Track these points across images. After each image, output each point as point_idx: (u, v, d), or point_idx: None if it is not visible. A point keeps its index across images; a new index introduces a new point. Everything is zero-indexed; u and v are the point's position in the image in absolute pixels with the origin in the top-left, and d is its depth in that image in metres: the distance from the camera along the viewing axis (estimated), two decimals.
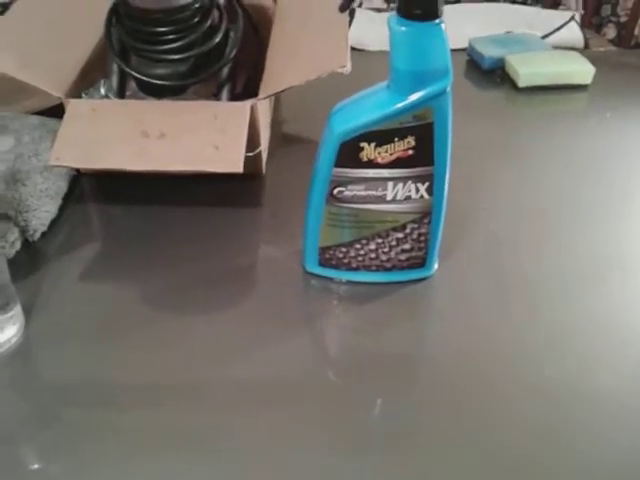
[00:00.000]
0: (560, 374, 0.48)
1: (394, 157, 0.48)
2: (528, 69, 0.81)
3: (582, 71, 0.82)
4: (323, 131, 0.49)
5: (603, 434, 0.44)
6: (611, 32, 1.20)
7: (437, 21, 0.43)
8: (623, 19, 1.17)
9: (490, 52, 0.86)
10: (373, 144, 0.47)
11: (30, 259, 0.56)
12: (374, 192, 0.50)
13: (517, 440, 0.44)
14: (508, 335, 0.51)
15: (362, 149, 0.48)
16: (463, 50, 0.88)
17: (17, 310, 0.49)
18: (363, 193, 0.50)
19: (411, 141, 0.47)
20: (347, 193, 0.50)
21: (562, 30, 0.94)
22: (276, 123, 0.75)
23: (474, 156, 0.68)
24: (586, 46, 0.95)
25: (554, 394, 0.46)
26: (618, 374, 0.48)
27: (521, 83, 0.81)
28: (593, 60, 0.83)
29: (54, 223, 0.60)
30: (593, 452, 0.43)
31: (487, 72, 0.86)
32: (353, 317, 0.53)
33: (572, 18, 0.95)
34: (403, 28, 0.43)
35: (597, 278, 0.56)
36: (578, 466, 0.42)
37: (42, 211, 0.58)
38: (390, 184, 0.49)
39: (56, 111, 0.65)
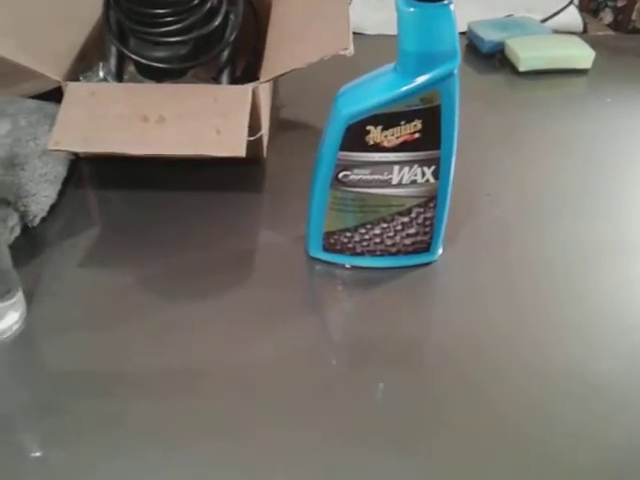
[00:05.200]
0: (564, 358, 0.48)
1: (400, 140, 0.47)
2: (529, 53, 0.81)
3: (582, 55, 0.82)
4: (326, 115, 0.48)
5: (608, 417, 0.44)
6: (608, 17, 1.20)
7: (446, 2, 0.43)
8: (620, 4, 1.18)
9: (490, 36, 0.85)
10: (379, 127, 0.47)
11: (30, 245, 0.55)
12: (380, 176, 0.49)
13: (521, 423, 0.44)
14: (512, 319, 0.51)
15: (368, 132, 0.47)
16: (462, 34, 0.88)
17: (19, 297, 0.49)
18: (369, 177, 0.49)
19: (418, 124, 0.47)
20: (352, 177, 0.49)
21: (561, 14, 0.93)
22: (274, 108, 0.74)
23: (474, 141, 0.67)
24: (584, 30, 0.95)
25: (558, 378, 0.46)
26: (621, 358, 0.48)
27: (522, 67, 0.81)
28: (592, 44, 0.83)
29: (53, 208, 0.59)
30: (597, 434, 0.43)
31: (486, 56, 0.85)
32: (357, 302, 0.53)
33: (571, 2, 0.95)
34: (411, 9, 0.43)
35: (600, 263, 0.56)
36: (582, 447, 0.42)
37: (42, 196, 0.57)
38: (396, 168, 0.49)
39: (51, 95, 0.64)
